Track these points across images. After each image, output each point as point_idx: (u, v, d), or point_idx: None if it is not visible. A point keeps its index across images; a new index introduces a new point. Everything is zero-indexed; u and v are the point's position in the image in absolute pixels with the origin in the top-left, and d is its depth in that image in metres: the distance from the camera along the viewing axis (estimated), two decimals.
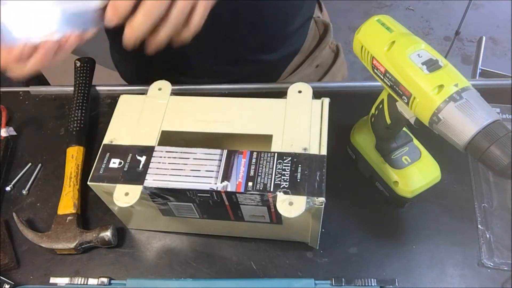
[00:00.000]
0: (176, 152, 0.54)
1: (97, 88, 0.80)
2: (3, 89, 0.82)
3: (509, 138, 0.41)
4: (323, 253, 0.61)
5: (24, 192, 0.69)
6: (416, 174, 0.60)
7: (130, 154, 0.55)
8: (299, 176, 0.51)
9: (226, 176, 0.52)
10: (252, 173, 0.52)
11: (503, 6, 2.34)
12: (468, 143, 0.43)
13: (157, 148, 0.55)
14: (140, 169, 0.53)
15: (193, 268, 0.61)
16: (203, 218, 0.58)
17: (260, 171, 0.52)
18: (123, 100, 0.61)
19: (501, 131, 0.42)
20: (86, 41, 0.53)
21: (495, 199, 0.65)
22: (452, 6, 2.42)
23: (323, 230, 0.61)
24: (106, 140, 0.57)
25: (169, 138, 0.57)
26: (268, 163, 0.52)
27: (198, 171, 0.52)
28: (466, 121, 0.43)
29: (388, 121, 0.56)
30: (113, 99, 0.79)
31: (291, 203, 0.49)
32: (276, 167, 0.52)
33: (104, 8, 0.48)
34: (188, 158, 0.54)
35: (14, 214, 0.64)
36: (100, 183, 0.53)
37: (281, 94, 0.59)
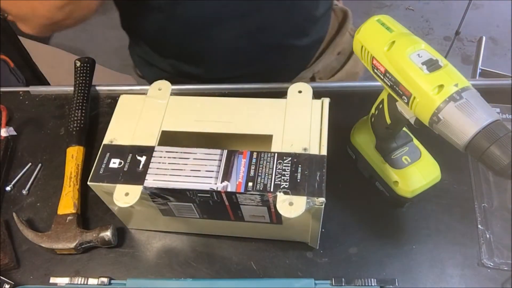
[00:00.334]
0: (176, 152, 0.54)
1: (97, 88, 0.80)
2: (3, 89, 0.82)
3: (509, 138, 0.41)
4: (323, 253, 0.61)
5: (24, 192, 0.69)
6: (416, 174, 0.60)
7: (130, 154, 0.55)
8: (299, 176, 0.51)
9: (226, 176, 0.52)
10: (252, 173, 0.52)
11: (503, 6, 2.34)
12: (468, 143, 0.43)
13: (157, 148, 0.55)
14: (140, 169, 0.53)
15: (193, 268, 0.61)
16: (203, 218, 0.58)
17: (260, 171, 0.52)
18: (123, 100, 0.61)
19: (501, 131, 0.42)
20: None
21: (495, 199, 0.65)
22: (452, 6, 2.42)
23: (323, 230, 0.61)
24: (106, 140, 0.57)
25: (169, 138, 0.57)
26: (268, 163, 0.52)
27: (198, 171, 0.52)
28: (466, 121, 0.43)
29: (388, 121, 0.56)
30: (113, 99, 0.79)
31: (291, 203, 0.49)
32: (276, 167, 0.52)
33: None
34: (188, 158, 0.54)
35: (14, 214, 0.64)
36: (100, 183, 0.53)
37: (281, 94, 0.59)
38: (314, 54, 0.87)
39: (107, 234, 0.61)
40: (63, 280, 0.59)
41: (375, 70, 0.51)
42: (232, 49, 0.79)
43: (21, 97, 0.81)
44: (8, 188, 0.70)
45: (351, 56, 0.91)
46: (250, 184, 0.51)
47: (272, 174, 0.51)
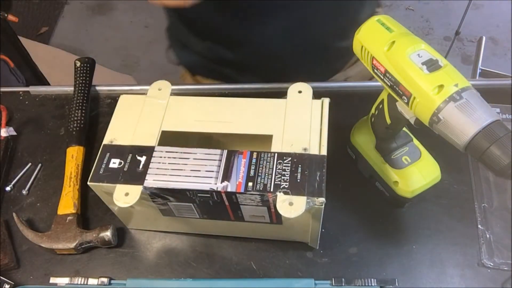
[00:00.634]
0: (176, 152, 0.54)
1: (97, 88, 0.80)
2: (3, 89, 0.82)
3: (509, 138, 0.41)
4: (323, 253, 0.61)
5: (24, 192, 0.69)
6: (416, 174, 0.60)
7: (130, 154, 0.55)
8: (299, 176, 0.51)
9: (226, 176, 0.52)
10: (252, 173, 0.52)
11: (503, 6, 2.34)
12: (468, 143, 0.43)
13: (157, 148, 0.55)
14: (140, 169, 0.53)
15: (193, 268, 0.61)
16: (203, 218, 0.58)
17: (260, 171, 0.52)
18: (123, 100, 0.61)
19: (501, 131, 0.42)
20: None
21: (495, 199, 0.65)
22: (452, 6, 2.42)
23: (323, 230, 0.61)
24: (106, 140, 0.57)
25: (169, 138, 0.57)
26: (268, 163, 0.52)
27: (198, 171, 0.52)
28: (466, 121, 0.43)
29: (388, 121, 0.56)
30: (113, 99, 0.79)
31: (291, 203, 0.49)
32: (276, 167, 0.52)
33: None
34: (188, 158, 0.54)
35: (14, 214, 0.64)
36: (100, 183, 0.53)
37: (281, 94, 0.59)
38: (351, 58, 0.86)
39: (107, 234, 0.61)
40: (63, 280, 0.59)
41: (375, 70, 0.51)
42: (272, 40, 0.78)
43: (21, 97, 0.81)
44: (8, 188, 0.70)
45: None
46: (250, 184, 0.51)
47: (272, 174, 0.51)
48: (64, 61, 1.83)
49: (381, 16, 0.52)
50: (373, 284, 0.56)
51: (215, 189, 0.51)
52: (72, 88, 0.77)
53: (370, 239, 0.62)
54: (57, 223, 0.63)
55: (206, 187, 0.51)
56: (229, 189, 0.51)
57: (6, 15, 1.10)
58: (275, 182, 0.51)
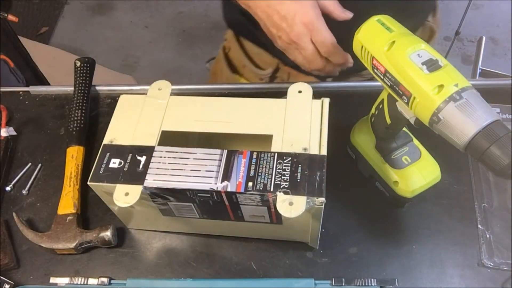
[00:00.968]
0: (176, 152, 0.54)
1: (97, 88, 0.80)
2: (3, 89, 0.82)
3: (509, 138, 0.41)
4: (323, 253, 0.61)
5: (24, 192, 0.69)
6: (416, 174, 0.60)
7: (130, 154, 0.55)
8: (299, 176, 0.51)
9: (226, 176, 0.52)
10: (252, 173, 0.52)
11: (503, 6, 2.34)
12: (468, 143, 0.43)
13: (157, 148, 0.55)
14: (140, 169, 0.53)
15: (193, 268, 0.61)
16: (203, 218, 0.58)
17: (260, 171, 0.52)
18: (123, 100, 0.61)
19: (501, 131, 0.42)
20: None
21: (495, 199, 0.64)
22: (452, 6, 2.42)
23: (323, 230, 0.61)
24: (106, 140, 0.57)
25: (169, 138, 0.57)
26: (268, 163, 0.52)
27: (198, 171, 0.52)
28: (466, 121, 0.43)
29: (388, 121, 0.56)
30: (113, 99, 0.79)
31: (291, 203, 0.49)
32: (276, 167, 0.52)
33: None
34: (188, 158, 0.54)
35: (14, 214, 0.64)
36: (100, 183, 0.53)
37: (281, 94, 0.59)
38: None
39: (107, 234, 0.61)
40: (63, 280, 0.59)
41: (375, 70, 0.51)
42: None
43: (21, 97, 0.81)
44: (8, 188, 0.70)
45: None
46: (250, 184, 0.51)
47: (272, 174, 0.51)
48: (64, 61, 1.83)
49: (381, 16, 0.52)
50: (373, 284, 0.56)
51: (215, 189, 0.51)
52: (72, 88, 0.77)
53: (370, 239, 0.62)
54: (57, 223, 0.63)
55: (206, 187, 0.51)
56: (229, 189, 0.51)
57: (6, 15, 1.10)
58: (275, 182, 0.51)
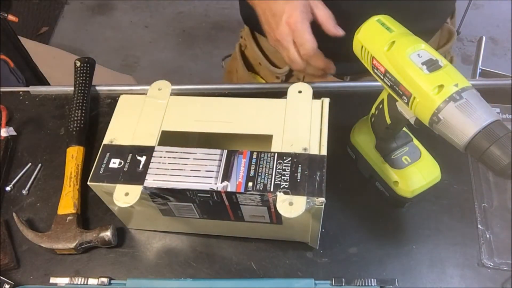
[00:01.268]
0: (176, 152, 0.54)
1: (97, 88, 0.80)
2: (3, 89, 0.82)
3: (509, 138, 0.41)
4: (323, 253, 0.61)
5: (24, 192, 0.69)
6: (416, 174, 0.60)
7: (130, 154, 0.55)
8: (299, 176, 0.51)
9: (226, 176, 0.52)
10: (252, 173, 0.52)
11: (503, 6, 2.34)
12: (468, 143, 0.43)
13: (157, 148, 0.55)
14: (140, 169, 0.53)
15: (193, 268, 0.61)
16: (203, 218, 0.58)
17: (260, 171, 0.52)
18: (123, 100, 0.61)
19: (501, 131, 0.42)
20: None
21: (495, 199, 0.64)
22: None
23: (323, 230, 0.61)
24: (106, 140, 0.57)
25: (169, 138, 0.57)
26: (268, 163, 0.52)
27: (198, 171, 0.52)
28: (466, 121, 0.43)
29: (388, 121, 0.56)
30: (113, 99, 0.79)
31: (291, 203, 0.49)
32: (276, 167, 0.52)
33: None
34: (188, 158, 0.54)
35: (14, 214, 0.64)
36: (100, 183, 0.53)
37: (281, 94, 0.59)
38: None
39: (107, 234, 0.61)
40: (63, 280, 0.59)
41: (375, 70, 0.51)
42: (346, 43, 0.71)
43: (21, 97, 0.81)
44: (8, 188, 0.70)
45: None
46: (250, 184, 0.51)
47: (272, 174, 0.51)
48: (64, 61, 1.83)
49: (381, 16, 0.52)
50: (373, 284, 0.56)
51: (215, 189, 0.51)
52: (72, 88, 0.77)
53: (370, 239, 0.62)
54: (57, 223, 0.63)
55: (206, 187, 0.51)
56: (229, 189, 0.51)
57: (6, 15, 1.10)
58: (275, 182, 0.51)
